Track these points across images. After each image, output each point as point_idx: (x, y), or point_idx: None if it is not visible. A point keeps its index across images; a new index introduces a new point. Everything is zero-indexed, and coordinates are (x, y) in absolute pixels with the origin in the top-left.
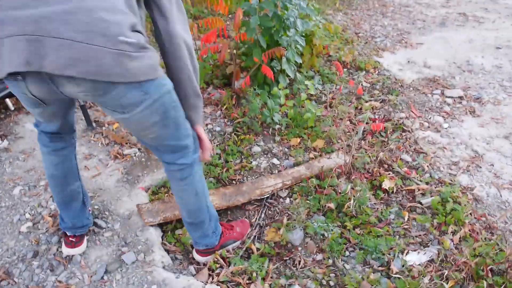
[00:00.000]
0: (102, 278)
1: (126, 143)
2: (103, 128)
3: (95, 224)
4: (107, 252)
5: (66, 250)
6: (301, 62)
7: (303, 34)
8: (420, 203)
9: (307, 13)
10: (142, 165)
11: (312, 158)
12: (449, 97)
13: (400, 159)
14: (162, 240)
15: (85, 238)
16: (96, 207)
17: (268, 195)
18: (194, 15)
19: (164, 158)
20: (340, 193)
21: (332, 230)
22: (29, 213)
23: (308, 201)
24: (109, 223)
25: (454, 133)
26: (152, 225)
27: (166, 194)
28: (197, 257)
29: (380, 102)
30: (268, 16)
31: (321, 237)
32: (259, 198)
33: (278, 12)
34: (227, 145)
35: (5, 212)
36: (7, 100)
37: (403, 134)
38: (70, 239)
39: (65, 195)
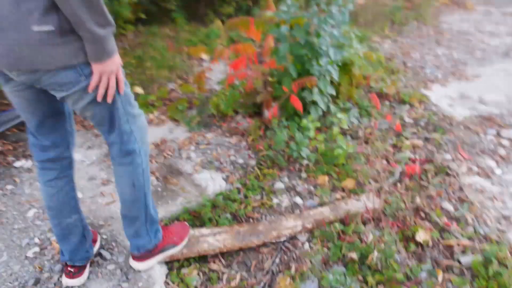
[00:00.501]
0: None
1: None
2: None
3: (100, 255)
4: (107, 287)
5: (65, 281)
6: (334, 93)
7: (339, 63)
8: (459, 261)
9: (340, 41)
10: (157, 195)
11: (339, 199)
12: (506, 138)
13: (441, 207)
14: (166, 278)
15: (87, 269)
16: (104, 236)
17: (285, 238)
18: (232, 38)
19: (106, 138)
20: (365, 242)
21: (350, 285)
22: (38, 238)
23: (328, 249)
24: (114, 255)
25: (508, 181)
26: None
27: None
28: (133, 263)
29: (423, 141)
30: (300, 43)
31: None
32: (274, 241)
33: (310, 39)
34: (248, 179)
35: (16, 234)
36: None
37: (447, 178)
38: (69, 269)
39: (62, 228)
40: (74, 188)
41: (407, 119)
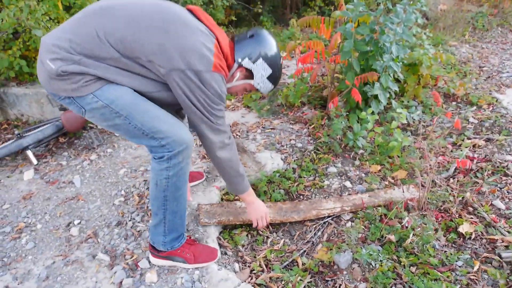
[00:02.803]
0: None
1: None
2: None
3: None
4: None
5: None
6: (397, 89)
7: (404, 61)
8: (500, 256)
9: (403, 38)
10: None
11: (387, 186)
12: None
13: (491, 204)
14: (219, 234)
15: None
16: None
17: (325, 216)
18: (310, 38)
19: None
20: (406, 227)
21: (381, 261)
22: (124, 191)
23: (366, 228)
24: None
25: None
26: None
27: (236, 197)
28: (150, 256)
29: (485, 141)
30: (364, 40)
31: (369, 266)
32: (313, 218)
33: (374, 37)
34: (304, 161)
35: (109, 186)
36: None
37: (504, 178)
38: None
39: None
40: None
41: (472, 120)
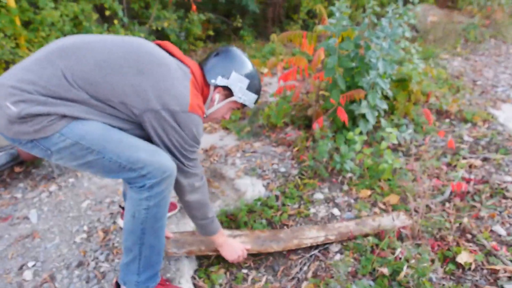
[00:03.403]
0: None
1: None
2: None
3: None
4: None
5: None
6: (386, 107)
7: (392, 77)
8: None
9: (391, 54)
10: None
11: (376, 213)
12: None
13: (491, 230)
14: (194, 273)
15: None
16: None
17: (308, 247)
18: (294, 53)
19: None
20: (400, 258)
21: None
22: (87, 226)
23: (356, 261)
24: None
25: None
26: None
27: None
28: None
29: (482, 160)
30: (349, 56)
31: None
32: (295, 248)
33: (359, 52)
34: (287, 187)
35: (70, 222)
36: None
37: (503, 201)
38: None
39: None
40: None
41: (466, 138)
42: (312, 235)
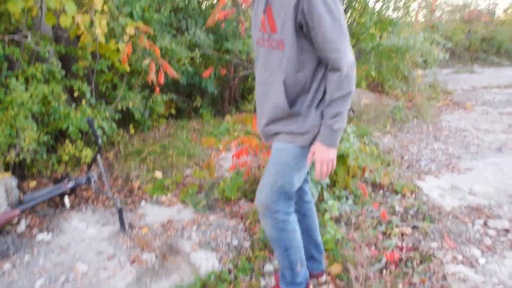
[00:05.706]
0: None
1: (146, 248)
2: (133, 231)
3: None
4: None
5: None
6: (328, 182)
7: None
8: None
9: None
10: (153, 272)
11: (320, 284)
12: (492, 228)
13: None
14: None
15: None
16: None
17: None
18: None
19: None
20: None
21: None
22: None
23: None
24: None
25: (491, 271)
26: None
27: None
28: None
29: (412, 229)
30: None
31: None
32: None
33: None
34: (240, 260)
35: None
36: (66, 197)
37: (431, 266)
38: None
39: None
40: None
41: (398, 208)
42: None
